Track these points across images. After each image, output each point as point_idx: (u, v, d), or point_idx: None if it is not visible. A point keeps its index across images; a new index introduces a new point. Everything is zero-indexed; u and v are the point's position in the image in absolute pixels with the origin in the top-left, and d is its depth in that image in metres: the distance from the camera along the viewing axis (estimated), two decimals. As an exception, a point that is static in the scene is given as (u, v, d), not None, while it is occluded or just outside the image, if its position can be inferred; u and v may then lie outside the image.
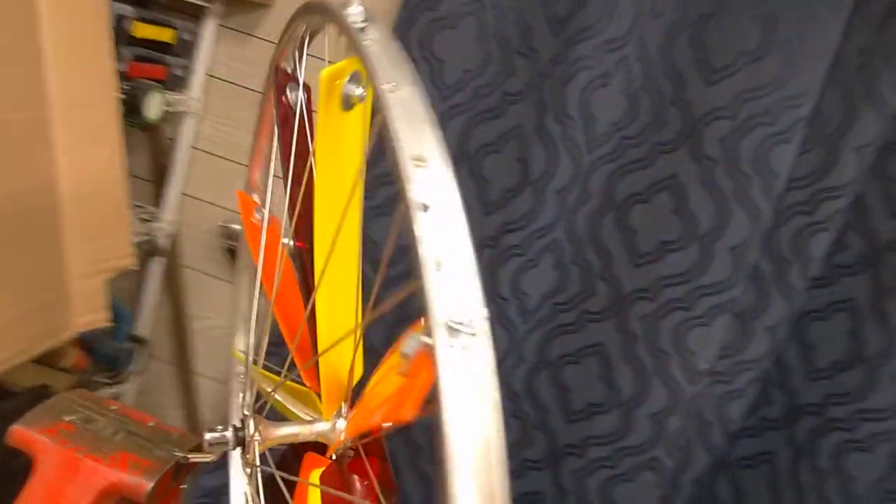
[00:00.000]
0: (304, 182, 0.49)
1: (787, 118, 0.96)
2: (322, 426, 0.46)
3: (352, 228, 0.48)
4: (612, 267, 1.06)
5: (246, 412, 0.47)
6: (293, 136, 0.52)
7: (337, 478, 0.46)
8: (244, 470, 0.56)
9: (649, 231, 1.04)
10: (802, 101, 0.96)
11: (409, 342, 0.30)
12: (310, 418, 0.48)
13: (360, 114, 0.46)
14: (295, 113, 0.54)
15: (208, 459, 0.50)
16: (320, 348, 0.47)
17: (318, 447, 0.49)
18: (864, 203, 1.02)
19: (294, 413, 0.51)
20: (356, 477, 0.45)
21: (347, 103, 0.45)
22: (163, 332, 1.27)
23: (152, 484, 0.43)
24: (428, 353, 0.28)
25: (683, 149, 1.02)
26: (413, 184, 0.29)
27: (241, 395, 0.62)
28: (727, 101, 0.98)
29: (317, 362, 0.48)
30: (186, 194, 1.22)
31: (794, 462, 1.05)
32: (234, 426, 0.46)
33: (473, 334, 0.27)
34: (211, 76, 1.18)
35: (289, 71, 0.56)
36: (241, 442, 0.46)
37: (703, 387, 1.03)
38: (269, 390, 0.50)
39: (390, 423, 0.33)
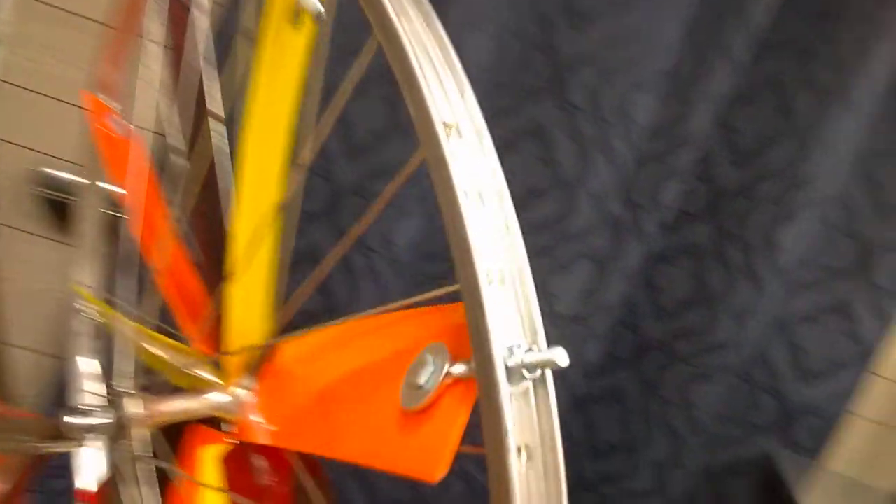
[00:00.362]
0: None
1: (648, 68, 0.98)
2: (220, 398, 0.39)
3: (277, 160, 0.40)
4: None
5: (120, 385, 0.38)
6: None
7: (241, 464, 0.39)
8: (114, 462, 0.46)
9: (514, 178, 1.02)
10: (662, 52, 0.98)
11: (428, 370, 0.25)
12: (203, 386, 0.40)
13: (308, 36, 0.38)
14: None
15: (73, 448, 0.40)
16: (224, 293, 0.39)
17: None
18: (708, 152, 1.08)
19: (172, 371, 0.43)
20: (266, 463, 0.39)
21: (297, 16, 0.36)
22: (-41, 296, 1.07)
23: (9, 487, 0.34)
24: (463, 387, 0.23)
25: (548, 95, 1.01)
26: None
27: (96, 360, 0.51)
28: (592, 48, 0.98)
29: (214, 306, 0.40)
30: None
31: (642, 396, 1.12)
32: (109, 404, 0.37)
33: (538, 376, 0.23)
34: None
35: None
36: (117, 424, 0.37)
37: (564, 329, 1.06)
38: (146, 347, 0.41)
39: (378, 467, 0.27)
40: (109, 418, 0.36)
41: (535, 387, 0.25)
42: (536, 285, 0.93)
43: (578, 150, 1.00)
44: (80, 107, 1.02)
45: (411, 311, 0.34)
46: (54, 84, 1.01)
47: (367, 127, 0.97)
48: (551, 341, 0.89)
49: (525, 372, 0.24)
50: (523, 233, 0.99)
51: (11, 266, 1.07)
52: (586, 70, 0.98)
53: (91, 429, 0.36)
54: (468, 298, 0.24)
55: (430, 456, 0.25)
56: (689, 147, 1.02)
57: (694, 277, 1.10)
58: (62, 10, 0.99)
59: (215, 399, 0.38)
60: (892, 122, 1.07)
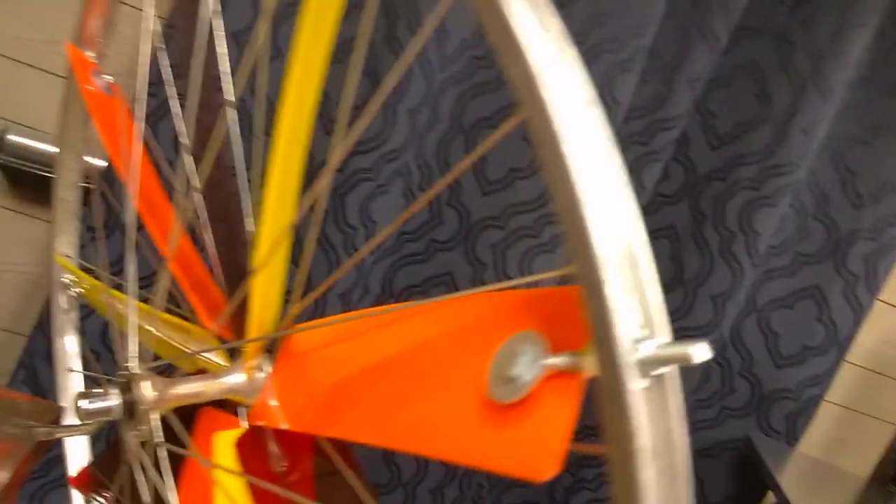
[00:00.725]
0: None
1: (631, 46, 0.98)
2: (235, 379, 0.37)
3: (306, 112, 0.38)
4: (460, 194, 1.02)
5: (132, 365, 0.36)
6: None
7: (257, 448, 0.37)
8: (131, 445, 0.44)
9: (498, 158, 1.01)
10: (645, 31, 0.98)
11: (524, 360, 0.23)
12: (216, 367, 0.38)
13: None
14: None
15: (83, 433, 0.38)
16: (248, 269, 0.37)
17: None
18: (685, 135, 1.09)
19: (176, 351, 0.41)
20: (284, 448, 0.37)
21: None
22: (-89, 270, 1.01)
23: (9, 473, 0.31)
24: (567, 381, 0.21)
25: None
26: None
27: (120, 340, 0.49)
28: (577, 24, 0.97)
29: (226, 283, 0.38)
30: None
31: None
32: (120, 386, 0.35)
33: (665, 371, 0.21)
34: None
35: None
36: (130, 408, 0.35)
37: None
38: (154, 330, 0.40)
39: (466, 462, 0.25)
40: (122, 401, 0.33)
41: (659, 382, 0.22)
42: (521, 268, 0.92)
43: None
44: (39, 68, 0.98)
45: (475, 295, 0.31)
46: (7, 42, 0.97)
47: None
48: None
49: (656, 368, 0.22)
50: (510, 214, 0.98)
51: (-31, 237, 1.02)
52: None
53: (104, 412, 0.34)
54: (589, 285, 0.22)
55: (538, 453, 0.23)
56: (670, 129, 1.02)
57: (671, 260, 1.10)
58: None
59: (231, 381, 0.36)
60: (866, 110, 1.09)
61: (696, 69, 1.00)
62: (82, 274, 0.49)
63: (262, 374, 0.39)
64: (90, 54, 0.49)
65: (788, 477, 1.01)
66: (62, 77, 0.98)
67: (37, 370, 0.95)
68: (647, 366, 0.22)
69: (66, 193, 0.53)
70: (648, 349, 0.22)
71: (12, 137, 0.94)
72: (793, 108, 1.02)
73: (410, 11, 0.92)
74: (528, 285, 0.29)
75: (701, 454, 1.15)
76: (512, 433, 0.24)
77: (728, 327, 1.13)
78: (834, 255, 1.10)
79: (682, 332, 1.08)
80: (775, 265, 1.12)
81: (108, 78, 0.45)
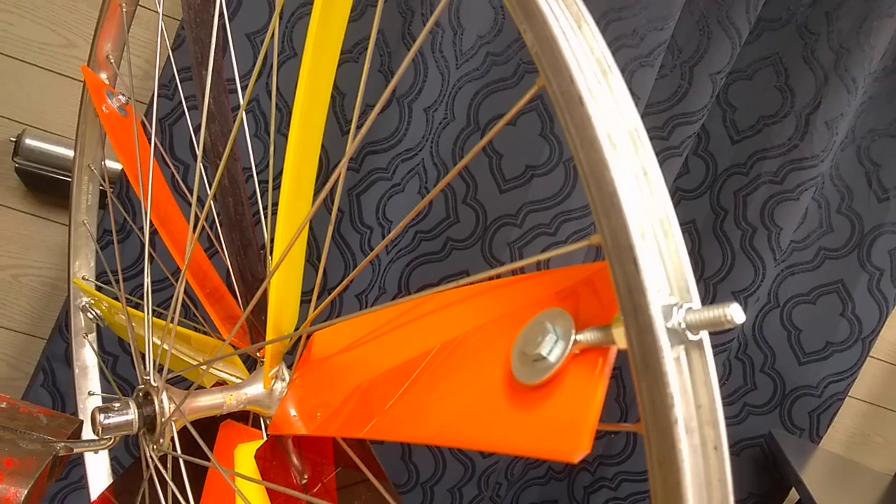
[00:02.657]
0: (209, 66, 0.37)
1: (650, 41, 0.96)
2: (254, 391, 0.37)
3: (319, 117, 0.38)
4: (477, 192, 1.01)
5: (151, 378, 0.36)
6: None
7: (279, 459, 0.37)
8: (149, 459, 0.44)
9: (515, 154, 1.00)
10: (664, 24, 0.96)
11: (550, 338, 0.22)
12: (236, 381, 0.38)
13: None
14: None
15: (103, 447, 0.37)
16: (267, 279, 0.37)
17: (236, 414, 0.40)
18: (706, 129, 1.07)
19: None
20: (306, 456, 0.36)
21: None
22: (-68, 274, 1.02)
23: (26, 490, 0.31)
24: (595, 356, 0.20)
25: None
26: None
27: (139, 356, 0.49)
28: (595, 18, 0.96)
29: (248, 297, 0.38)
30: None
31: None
32: (138, 400, 0.34)
33: (698, 338, 0.20)
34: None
35: None
36: (149, 421, 0.34)
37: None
38: (167, 346, 0.39)
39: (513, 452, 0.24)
40: (140, 414, 0.33)
41: (690, 351, 0.21)
42: (538, 266, 0.91)
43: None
44: (56, 72, 0.98)
45: (493, 282, 0.31)
46: (22, 45, 0.96)
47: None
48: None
49: (688, 334, 0.21)
50: (526, 211, 0.98)
51: (-12, 241, 1.03)
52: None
53: (123, 426, 0.34)
54: (616, 250, 0.21)
55: (568, 433, 0.22)
56: (691, 123, 1.00)
57: (692, 256, 1.08)
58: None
59: (250, 391, 0.35)
60: (890, 101, 1.06)
61: (717, 63, 0.99)
62: (100, 295, 0.49)
63: (281, 384, 0.38)
64: (104, 76, 0.49)
65: (812, 474, 0.99)
66: (79, 80, 0.97)
67: (55, 373, 0.95)
68: (680, 332, 0.21)
69: (83, 217, 0.53)
70: (680, 315, 0.21)
71: (29, 142, 0.94)
72: (816, 101, 1.00)
73: (426, 8, 0.90)
74: (542, 266, 0.28)
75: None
76: (540, 415, 0.24)
77: (750, 323, 1.11)
78: (858, 250, 1.08)
79: (703, 328, 1.07)
80: (798, 260, 1.10)
81: (122, 98, 0.45)
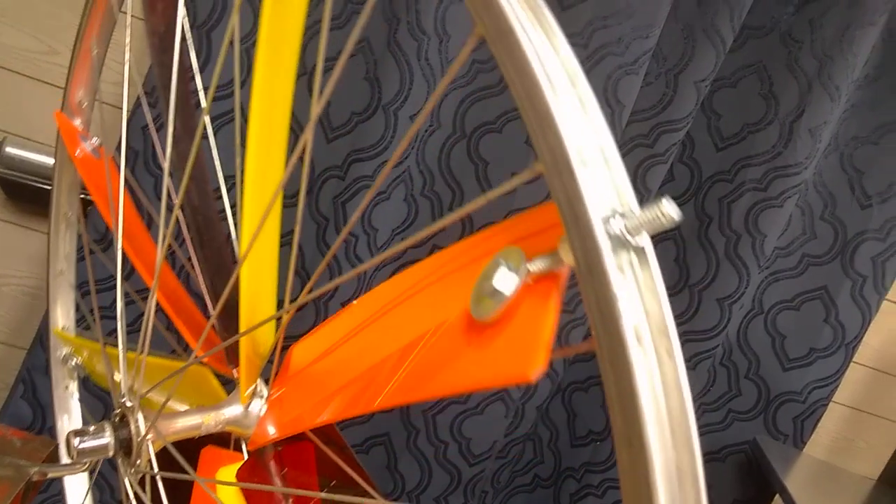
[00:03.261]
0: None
1: (635, 49, 0.96)
2: (233, 411, 0.36)
3: (280, 137, 0.38)
4: (463, 200, 1.01)
5: (127, 400, 0.35)
6: (165, 27, 0.39)
7: (261, 478, 0.36)
8: (127, 482, 0.43)
9: (501, 162, 1.00)
10: (649, 33, 0.96)
11: (501, 272, 0.23)
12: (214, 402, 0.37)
13: None
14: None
15: (77, 472, 0.37)
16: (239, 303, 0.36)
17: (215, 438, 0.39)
18: (690, 136, 1.08)
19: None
20: (289, 476, 0.36)
21: None
22: None
23: None
24: (546, 283, 0.22)
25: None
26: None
27: (116, 375, 0.48)
28: (580, 27, 0.96)
29: (219, 326, 0.37)
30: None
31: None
32: (114, 422, 0.34)
33: (642, 246, 0.21)
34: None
35: None
36: (124, 444, 0.34)
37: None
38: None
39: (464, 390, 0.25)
40: (116, 438, 0.32)
41: (635, 260, 0.22)
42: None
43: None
44: (39, 80, 0.97)
45: (454, 245, 0.32)
46: (11, 55, 0.95)
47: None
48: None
49: (629, 238, 0.22)
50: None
51: (-33, 250, 1.01)
52: (574, 50, 0.96)
53: (98, 450, 0.33)
54: (554, 167, 0.22)
55: (523, 354, 0.23)
56: (676, 131, 1.01)
57: (677, 263, 1.09)
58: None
59: (228, 412, 0.35)
60: (873, 109, 1.07)
61: (702, 71, 0.99)
62: (80, 341, 0.48)
63: (259, 401, 0.38)
64: (77, 122, 0.49)
65: (796, 480, 1.00)
66: (60, 88, 0.96)
67: (36, 385, 0.94)
68: (621, 238, 0.22)
69: (61, 265, 0.52)
70: (619, 221, 0.22)
71: (10, 150, 0.93)
72: (799, 109, 1.00)
73: (411, 16, 0.90)
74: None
75: (708, 457, 1.14)
76: (498, 344, 0.25)
77: (735, 330, 1.12)
78: (841, 256, 1.09)
79: (688, 335, 1.07)
80: (782, 266, 1.11)
81: (94, 141, 0.45)
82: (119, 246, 0.39)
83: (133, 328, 0.92)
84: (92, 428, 0.32)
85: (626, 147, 1.02)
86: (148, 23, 0.36)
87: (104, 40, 0.47)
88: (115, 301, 0.93)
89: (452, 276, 0.32)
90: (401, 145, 0.32)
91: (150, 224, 0.87)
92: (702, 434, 1.14)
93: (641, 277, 0.22)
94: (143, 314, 0.89)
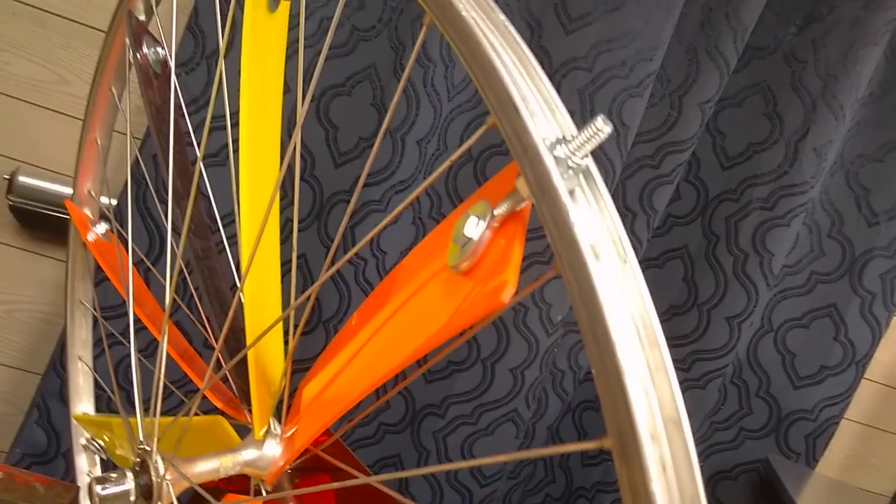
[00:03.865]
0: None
1: (639, 71, 0.97)
2: (250, 453, 0.37)
3: (271, 169, 0.39)
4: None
5: (146, 446, 0.36)
6: (161, 100, 0.40)
7: None
8: None
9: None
10: (653, 55, 0.97)
11: (470, 221, 0.26)
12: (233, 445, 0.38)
13: (284, 15, 0.38)
14: (157, 75, 0.42)
15: None
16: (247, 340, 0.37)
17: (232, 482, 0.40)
18: (696, 156, 1.08)
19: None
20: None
21: (274, 1, 0.36)
22: (-75, 311, 1.02)
23: None
24: (512, 222, 0.25)
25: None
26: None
27: (137, 422, 0.49)
28: (584, 51, 0.97)
29: (236, 371, 0.38)
30: (-53, 138, 0.97)
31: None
32: (134, 469, 0.34)
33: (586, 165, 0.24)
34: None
35: (142, 18, 0.44)
36: (146, 490, 0.34)
37: (558, 337, 1.05)
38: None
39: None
40: (140, 483, 0.33)
41: (583, 185, 0.25)
42: (531, 293, 0.91)
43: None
44: (50, 109, 0.98)
45: (431, 234, 0.34)
46: (14, 83, 0.97)
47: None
48: (544, 349, 0.88)
49: (574, 158, 0.24)
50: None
51: (-18, 279, 1.02)
52: (579, 73, 0.97)
53: (120, 496, 0.34)
54: (501, 109, 0.25)
55: (495, 282, 0.25)
56: (681, 151, 1.01)
57: (685, 282, 1.09)
58: (24, 3, 0.95)
59: (245, 454, 0.36)
60: (878, 127, 1.08)
61: (706, 92, 1.00)
62: (100, 418, 0.50)
63: (273, 441, 0.38)
64: (87, 210, 0.52)
65: (809, 499, 1.00)
66: (71, 117, 0.98)
67: (50, 410, 0.95)
68: (566, 160, 0.24)
69: (78, 351, 0.54)
70: (563, 147, 0.24)
71: (23, 179, 0.94)
72: (804, 128, 1.01)
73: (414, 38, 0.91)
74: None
75: (719, 476, 1.14)
76: (473, 281, 0.27)
77: (744, 348, 1.12)
78: (850, 274, 1.09)
79: (698, 354, 1.07)
80: (790, 284, 1.11)
81: (104, 226, 0.49)
82: (131, 311, 0.40)
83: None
84: (114, 475, 0.33)
85: (632, 168, 1.03)
86: (145, 96, 0.38)
87: (108, 132, 0.49)
88: (128, 356, 0.94)
89: (434, 258, 0.33)
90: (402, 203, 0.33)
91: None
92: (713, 453, 1.14)
93: (594, 201, 0.25)
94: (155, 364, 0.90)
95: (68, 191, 0.95)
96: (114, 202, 0.89)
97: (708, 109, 1.01)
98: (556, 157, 0.24)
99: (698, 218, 1.09)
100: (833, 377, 1.10)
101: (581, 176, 0.25)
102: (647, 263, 1.11)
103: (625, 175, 1.03)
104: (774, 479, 1.03)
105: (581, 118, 0.97)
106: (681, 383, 1.08)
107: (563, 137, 0.25)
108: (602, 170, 0.99)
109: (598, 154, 0.98)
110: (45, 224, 0.97)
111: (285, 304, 0.47)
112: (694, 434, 1.06)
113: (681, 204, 1.10)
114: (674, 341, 1.09)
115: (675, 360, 1.06)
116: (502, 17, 0.28)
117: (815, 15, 1.02)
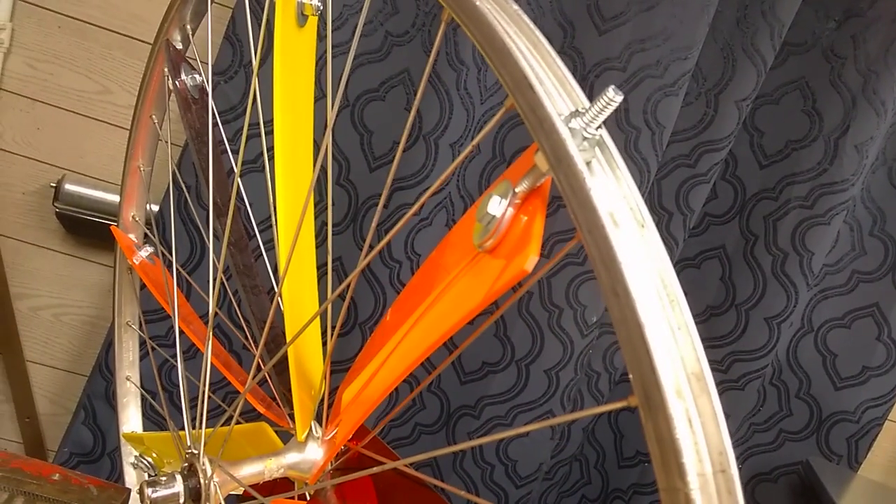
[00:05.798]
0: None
1: (674, 70, 0.96)
2: (293, 456, 0.38)
3: (303, 189, 0.40)
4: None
5: (194, 450, 0.37)
6: (200, 124, 0.41)
7: None
8: None
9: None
10: (688, 54, 0.96)
11: (493, 200, 0.27)
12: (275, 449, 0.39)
13: (313, 28, 0.39)
14: (196, 100, 0.43)
15: None
16: (287, 346, 0.38)
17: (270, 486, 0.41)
18: (733, 154, 1.07)
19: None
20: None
21: (302, 16, 0.37)
22: (-22, 315, 1.05)
23: None
24: (533, 197, 0.26)
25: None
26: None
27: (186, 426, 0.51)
28: (618, 51, 0.96)
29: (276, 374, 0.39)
30: (-3, 148, 1.00)
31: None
32: (183, 472, 0.35)
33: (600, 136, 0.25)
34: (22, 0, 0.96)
35: (179, 47, 0.45)
36: (195, 493, 0.36)
37: (593, 338, 1.04)
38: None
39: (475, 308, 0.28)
40: (188, 486, 0.34)
41: (599, 156, 0.26)
42: (567, 296, 0.91)
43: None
44: (94, 118, 1.01)
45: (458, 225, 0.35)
46: (60, 93, 1.00)
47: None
48: (579, 350, 0.87)
49: (589, 130, 0.25)
50: (554, 242, 0.97)
51: (27, 282, 1.06)
52: (613, 73, 0.96)
53: (170, 499, 0.35)
54: (517, 89, 0.26)
55: (519, 252, 0.26)
56: (717, 150, 1.00)
57: (722, 282, 1.08)
58: (59, 13, 0.97)
59: (288, 457, 0.37)
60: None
61: (743, 90, 0.98)
62: (148, 435, 0.52)
63: (314, 444, 0.39)
64: (132, 236, 0.55)
65: (850, 502, 0.98)
66: (114, 126, 1.01)
67: (96, 411, 0.98)
68: (581, 131, 0.25)
69: (126, 372, 0.56)
70: (577, 119, 0.25)
71: (69, 187, 0.97)
72: (844, 125, 0.99)
73: (450, 48, 0.92)
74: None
75: (759, 478, 1.12)
76: (499, 255, 0.28)
77: (784, 349, 1.10)
78: (892, 272, 1.07)
79: (736, 355, 1.06)
80: (831, 284, 1.09)
81: (149, 249, 0.52)
82: (177, 327, 0.41)
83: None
84: (163, 478, 0.34)
85: (668, 168, 1.02)
86: (184, 120, 0.39)
87: (150, 159, 0.51)
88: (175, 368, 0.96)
89: (461, 245, 0.34)
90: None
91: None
92: (752, 455, 1.12)
93: (609, 172, 0.25)
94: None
95: (112, 198, 0.98)
96: (155, 208, 0.91)
97: (745, 107, 0.99)
98: (571, 129, 0.25)
99: (736, 217, 1.08)
100: (876, 378, 1.07)
101: (597, 148, 0.26)
102: (683, 263, 1.10)
103: (660, 174, 1.03)
104: (815, 481, 1.02)
105: (614, 118, 0.97)
106: (718, 385, 1.06)
107: (577, 110, 0.26)
108: (636, 169, 0.98)
109: (633, 154, 0.98)
110: (90, 230, 1.00)
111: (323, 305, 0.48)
112: (732, 436, 1.05)
113: (718, 203, 1.08)
114: (711, 342, 1.08)
115: (712, 362, 1.05)
116: (515, 6, 0.30)
117: (854, 10, 1.00)
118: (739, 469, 1.17)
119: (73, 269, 1.05)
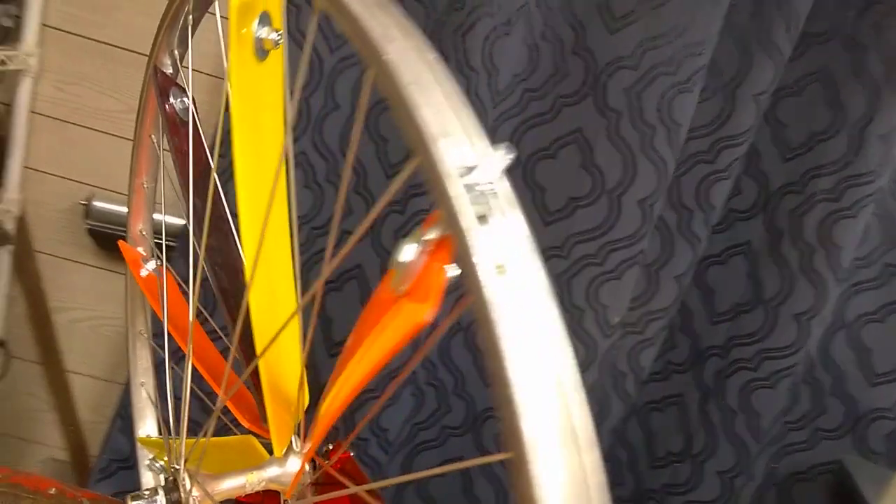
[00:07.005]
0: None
1: (688, 67, 0.95)
2: (273, 470, 0.39)
3: (280, 210, 0.41)
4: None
5: (176, 465, 0.39)
6: (188, 146, 0.42)
7: None
8: None
9: (557, 187, 1.00)
10: (702, 50, 0.95)
11: (407, 247, 0.26)
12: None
13: (278, 62, 0.39)
14: (185, 123, 0.45)
15: None
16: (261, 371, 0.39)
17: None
18: (755, 148, 1.05)
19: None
20: None
21: (261, 51, 0.38)
22: (22, 328, 1.10)
23: None
24: (442, 246, 0.25)
25: (587, 101, 0.98)
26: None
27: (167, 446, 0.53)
28: (630, 49, 0.96)
29: (254, 393, 0.40)
30: (30, 168, 1.05)
31: (702, 403, 1.08)
32: (165, 486, 0.37)
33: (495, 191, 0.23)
34: (47, 26, 1.00)
35: (169, 73, 0.47)
36: (180, 505, 0.37)
37: (616, 339, 1.04)
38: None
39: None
40: (171, 499, 0.36)
41: (493, 202, 0.24)
42: (587, 296, 0.90)
43: (621, 156, 0.98)
44: (120, 136, 1.05)
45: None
46: (86, 113, 1.04)
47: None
48: (602, 351, 0.87)
49: (481, 184, 0.23)
50: (573, 243, 0.96)
51: (64, 295, 1.10)
52: (625, 72, 0.96)
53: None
54: (418, 143, 0.24)
55: (421, 303, 0.27)
56: (737, 145, 0.98)
57: (750, 279, 1.06)
58: (84, 37, 1.01)
59: (269, 471, 0.38)
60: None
61: (760, 84, 0.96)
62: (156, 440, 0.54)
63: (295, 458, 0.40)
64: (140, 249, 0.56)
65: (888, 503, 0.95)
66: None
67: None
68: (474, 188, 0.23)
69: (140, 378, 0.58)
70: (471, 176, 0.23)
71: (98, 204, 1.01)
72: (868, 115, 0.96)
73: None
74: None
75: (795, 478, 1.10)
76: (406, 302, 0.28)
77: (815, 346, 1.07)
78: (925, 264, 1.03)
79: (766, 353, 1.04)
80: (863, 277, 1.06)
81: (154, 262, 0.54)
82: (167, 333, 0.43)
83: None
84: (147, 492, 0.36)
85: (687, 164, 1.01)
86: (171, 143, 0.41)
87: (153, 176, 0.53)
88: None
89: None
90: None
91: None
92: (787, 454, 1.10)
93: (500, 219, 0.24)
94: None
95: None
96: (168, 220, 0.94)
97: (763, 101, 0.97)
98: (465, 185, 0.23)
99: (760, 212, 1.06)
100: (912, 373, 1.04)
101: (489, 199, 0.24)
102: (709, 261, 1.08)
103: (679, 172, 1.01)
104: (851, 480, 0.99)
105: (629, 118, 0.96)
106: (748, 383, 1.05)
107: (470, 165, 0.24)
108: (654, 168, 0.97)
109: (650, 153, 0.97)
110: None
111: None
112: (766, 434, 1.03)
113: (742, 198, 1.06)
114: (740, 340, 1.06)
115: (742, 360, 1.04)
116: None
117: (875, -4, 0.97)
118: (776, 468, 1.14)
119: (107, 283, 1.09)
